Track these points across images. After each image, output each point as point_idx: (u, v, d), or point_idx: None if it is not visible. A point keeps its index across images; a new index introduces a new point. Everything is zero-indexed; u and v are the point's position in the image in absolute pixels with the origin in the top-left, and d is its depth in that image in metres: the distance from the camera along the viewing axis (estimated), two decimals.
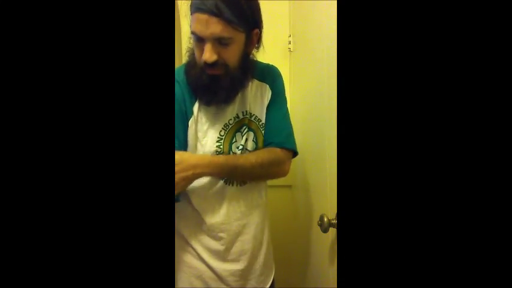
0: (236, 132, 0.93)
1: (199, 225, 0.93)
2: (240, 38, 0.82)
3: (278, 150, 0.95)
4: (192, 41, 0.85)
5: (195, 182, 0.87)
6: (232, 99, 0.89)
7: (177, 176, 0.80)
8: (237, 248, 0.96)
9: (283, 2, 1.54)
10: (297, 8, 1.44)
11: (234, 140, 0.92)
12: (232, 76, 0.83)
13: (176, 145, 0.86)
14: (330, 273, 1.05)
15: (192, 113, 0.88)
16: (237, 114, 0.93)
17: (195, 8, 0.77)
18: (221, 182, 0.92)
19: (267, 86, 0.99)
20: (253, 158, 0.90)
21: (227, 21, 0.76)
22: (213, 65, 0.79)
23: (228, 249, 0.95)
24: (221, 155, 0.90)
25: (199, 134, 0.89)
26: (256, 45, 0.89)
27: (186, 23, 1.52)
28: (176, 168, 0.79)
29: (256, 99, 0.97)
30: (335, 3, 0.80)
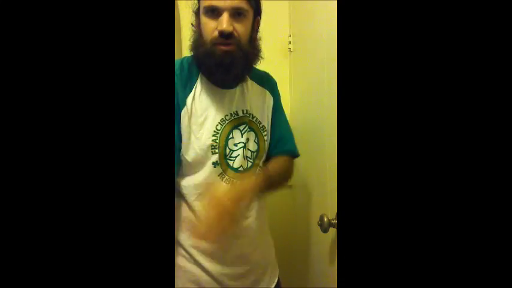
0: (234, 128, 0.91)
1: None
2: (250, 15, 0.83)
3: (288, 158, 0.99)
4: (196, 22, 0.86)
5: (190, 181, 0.87)
6: (242, 78, 0.90)
7: (237, 206, 0.79)
8: (234, 250, 0.93)
9: (283, 2, 1.54)
10: (297, 8, 1.44)
11: (230, 136, 0.90)
12: (244, 53, 0.83)
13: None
14: (330, 273, 1.05)
15: (184, 104, 0.86)
16: (236, 111, 0.92)
17: None
18: (218, 181, 0.89)
19: (267, 91, 1.00)
20: (277, 169, 0.93)
21: None
22: (228, 37, 0.79)
23: (225, 251, 0.92)
24: (260, 173, 0.91)
25: (194, 127, 0.86)
26: (258, 33, 0.90)
27: (186, 23, 1.53)
28: (233, 197, 0.79)
29: (256, 101, 0.97)
30: (335, 3, 0.80)
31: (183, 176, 0.89)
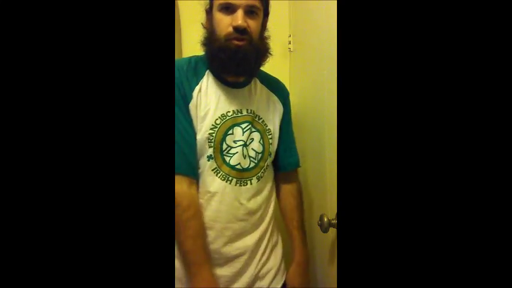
0: (235, 125, 0.91)
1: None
2: (261, 14, 0.89)
3: (295, 173, 1.08)
4: (209, 19, 0.90)
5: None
6: (252, 74, 0.94)
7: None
8: (233, 249, 0.93)
9: (283, 2, 1.54)
10: (297, 8, 1.44)
11: (230, 132, 0.90)
12: (255, 48, 0.87)
13: (179, 131, 0.85)
14: (330, 273, 1.05)
15: (191, 97, 0.88)
16: (239, 109, 0.92)
17: None
18: (212, 176, 0.89)
19: (277, 99, 1.02)
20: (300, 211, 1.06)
21: None
22: (242, 32, 0.84)
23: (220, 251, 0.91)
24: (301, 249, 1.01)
25: (198, 120, 0.88)
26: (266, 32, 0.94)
27: (186, 23, 1.53)
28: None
29: (264, 104, 0.98)
30: (335, 3, 0.80)
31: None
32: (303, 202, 1.09)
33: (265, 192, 0.98)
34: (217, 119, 0.89)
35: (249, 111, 0.94)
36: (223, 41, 0.85)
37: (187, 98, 0.88)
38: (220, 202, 0.89)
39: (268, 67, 1.08)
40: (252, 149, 0.93)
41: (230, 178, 0.90)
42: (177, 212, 0.83)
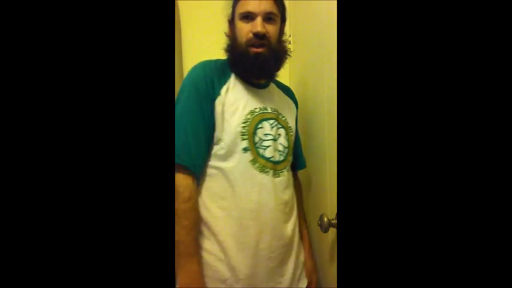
0: (263, 120, 0.96)
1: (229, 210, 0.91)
2: (278, 20, 0.97)
3: (300, 177, 1.18)
4: (231, 29, 0.99)
5: (222, 165, 0.91)
6: (272, 75, 1.01)
7: None
8: (276, 239, 0.94)
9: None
10: (297, 8, 1.44)
11: (259, 126, 0.95)
12: (274, 52, 0.95)
13: (202, 123, 0.90)
14: (330, 273, 1.05)
15: (219, 93, 0.93)
16: (265, 107, 0.99)
17: None
18: (250, 167, 0.91)
19: (292, 102, 1.13)
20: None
21: (275, 1, 0.94)
22: (262, 37, 0.91)
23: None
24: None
25: (226, 115, 0.92)
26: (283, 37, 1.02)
27: (186, 23, 1.53)
28: None
29: (283, 104, 1.07)
30: (335, 3, 0.80)
31: (217, 161, 0.92)
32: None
33: (291, 185, 1.04)
34: (247, 114, 0.94)
35: (273, 109, 1.01)
36: (244, 47, 0.93)
37: (215, 95, 0.93)
38: (260, 193, 0.91)
39: None
40: (280, 143, 0.99)
41: (267, 170, 0.93)
42: (177, 201, 0.85)
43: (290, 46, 1.51)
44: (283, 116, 1.03)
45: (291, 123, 1.06)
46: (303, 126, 1.23)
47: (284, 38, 1.01)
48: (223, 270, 0.89)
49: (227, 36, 1.01)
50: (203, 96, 0.91)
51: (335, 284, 0.93)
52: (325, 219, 0.91)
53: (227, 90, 0.95)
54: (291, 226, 1.00)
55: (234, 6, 0.97)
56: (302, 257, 1.06)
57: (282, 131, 1.00)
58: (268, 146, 0.94)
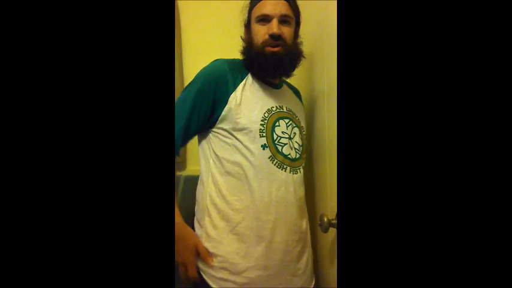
0: (280, 119, 1.00)
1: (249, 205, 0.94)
2: (293, 23, 1.01)
3: None
4: (247, 32, 1.03)
5: (238, 159, 0.95)
6: (288, 74, 1.04)
7: None
8: (292, 233, 0.97)
9: None
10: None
11: (277, 124, 0.99)
12: (289, 52, 0.98)
13: (188, 115, 0.94)
14: (330, 273, 1.05)
15: (234, 89, 0.97)
16: (280, 106, 1.03)
17: None
18: (269, 163, 0.95)
19: (300, 102, 1.16)
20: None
21: (290, 5, 0.99)
22: (277, 38, 0.95)
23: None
24: None
25: (245, 111, 0.95)
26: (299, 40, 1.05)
27: (186, 23, 1.53)
28: None
29: (296, 105, 1.11)
30: (335, 3, 0.80)
31: (228, 154, 0.95)
32: None
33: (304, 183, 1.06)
34: (265, 113, 0.98)
35: (288, 109, 1.05)
36: (261, 47, 0.97)
37: (229, 90, 0.96)
38: (278, 189, 0.95)
39: None
40: (296, 141, 1.03)
41: (285, 166, 0.97)
42: None
43: None
44: (297, 116, 1.07)
45: (303, 123, 1.10)
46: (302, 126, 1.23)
47: (299, 40, 1.05)
48: (241, 263, 0.91)
49: (243, 39, 1.05)
50: (203, 92, 0.95)
51: (335, 284, 0.93)
52: (325, 219, 0.91)
53: (243, 87, 0.98)
54: (306, 221, 1.04)
55: (250, 11, 1.02)
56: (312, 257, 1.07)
57: (296, 130, 1.04)
58: (285, 144, 0.98)
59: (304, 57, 1.05)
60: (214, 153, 0.97)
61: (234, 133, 0.95)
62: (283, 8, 0.97)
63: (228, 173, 0.95)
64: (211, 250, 0.93)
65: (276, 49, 0.96)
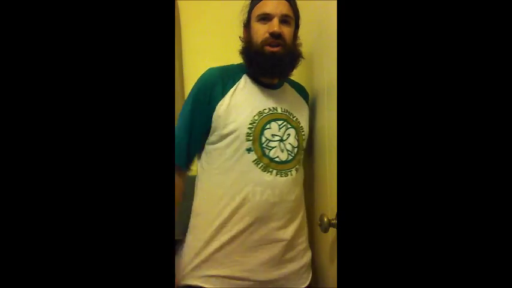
0: (271, 121, 0.99)
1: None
2: (293, 24, 1.01)
3: None
4: (247, 31, 1.03)
5: (221, 164, 0.97)
6: (287, 74, 1.04)
7: None
8: (274, 238, 0.97)
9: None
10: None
11: (267, 127, 0.98)
12: (289, 52, 0.99)
13: (189, 127, 0.97)
14: (330, 273, 1.05)
15: (222, 97, 0.98)
16: (275, 107, 1.01)
17: None
18: (253, 167, 0.95)
19: (303, 100, 1.13)
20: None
21: (291, 5, 1.00)
22: (277, 37, 0.95)
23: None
24: None
25: (232, 116, 0.96)
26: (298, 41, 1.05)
27: (186, 23, 1.52)
28: None
29: (295, 104, 1.08)
30: (335, 3, 0.80)
31: (215, 161, 0.98)
32: None
33: (300, 185, 1.06)
34: (255, 116, 0.98)
35: (283, 110, 1.03)
36: (260, 46, 0.97)
37: (216, 99, 0.97)
38: (263, 192, 0.95)
39: None
40: (289, 143, 1.00)
41: (270, 169, 0.96)
42: None
43: None
44: (295, 116, 1.05)
45: (303, 123, 1.07)
46: None
47: (298, 42, 1.05)
48: (225, 262, 0.95)
49: (242, 40, 1.05)
50: (201, 102, 0.97)
51: (335, 284, 0.93)
52: (325, 219, 0.91)
53: (233, 93, 0.99)
54: (293, 226, 1.01)
55: (250, 10, 1.02)
56: (307, 259, 1.06)
57: (291, 131, 1.02)
58: (274, 147, 0.98)
59: (303, 58, 1.04)
60: (204, 159, 1.01)
61: (221, 139, 0.96)
62: (284, 8, 0.97)
63: (213, 178, 0.98)
64: (197, 250, 0.96)
65: (275, 49, 0.96)
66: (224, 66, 1.05)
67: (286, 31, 0.98)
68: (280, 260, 0.98)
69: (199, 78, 1.01)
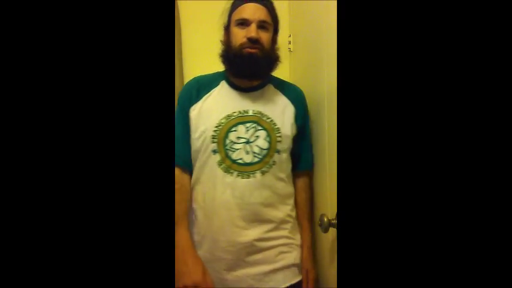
0: (239, 123, 1.02)
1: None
2: (271, 30, 1.05)
3: (308, 178, 1.17)
4: (226, 34, 1.07)
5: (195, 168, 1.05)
6: (263, 76, 1.07)
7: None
8: (238, 236, 1.00)
9: (283, 2, 1.54)
10: (297, 8, 1.43)
11: (233, 129, 1.01)
12: (266, 55, 1.02)
13: (182, 130, 1.05)
14: (330, 273, 1.05)
15: (197, 101, 1.05)
16: (245, 110, 1.04)
17: (244, 0, 1.01)
18: (217, 168, 1.00)
19: (289, 101, 1.11)
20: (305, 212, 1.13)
21: (269, 12, 1.03)
22: (255, 42, 0.99)
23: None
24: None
25: (202, 119, 1.03)
26: (276, 45, 1.09)
27: (186, 23, 1.53)
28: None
29: (274, 106, 1.08)
30: (335, 3, 0.80)
31: (196, 163, 1.05)
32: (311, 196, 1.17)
33: (274, 188, 1.04)
34: (222, 119, 1.02)
35: (255, 112, 1.04)
36: (238, 49, 1.00)
37: (191, 104, 1.05)
38: (223, 192, 1.00)
39: None
40: (257, 145, 1.01)
41: (231, 171, 1.00)
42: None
43: (290, 46, 1.52)
44: (269, 118, 1.04)
45: (280, 124, 1.05)
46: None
47: (276, 46, 1.09)
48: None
49: (222, 43, 1.08)
50: (182, 108, 1.06)
51: (335, 284, 0.93)
52: (325, 219, 0.91)
53: (207, 98, 1.06)
54: (259, 229, 1.01)
55: (230, 14, 1.05)
56: (286, 262, 1.05)
57: (261, 133, 1.02)
58: (238, 149, 1.01)
59: (280, 61, 1.08)
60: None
61: (195, 141, 1.03)
62: (262, 14, 1.01)
63: (196, 179, 1.06)
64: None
65: (253, 50, 0.99)
66: (207, 74, 1.12)
67: (264, 36, 1.01)
68: (242, 262, 1.00)
69: (183, 87, 1.12)
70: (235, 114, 1.03)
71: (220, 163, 1.00)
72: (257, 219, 1.01)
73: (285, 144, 1.05)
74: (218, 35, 1.60)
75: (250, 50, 0.99)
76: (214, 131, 1.01)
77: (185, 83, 1.51)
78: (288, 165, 1.09)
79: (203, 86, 1.08)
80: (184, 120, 1.06)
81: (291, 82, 1.48)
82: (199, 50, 1.53)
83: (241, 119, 1.02)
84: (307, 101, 1.23)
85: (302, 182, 1.15)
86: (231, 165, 1.00)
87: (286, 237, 1.06)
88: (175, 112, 1.07)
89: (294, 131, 1.08)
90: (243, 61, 1.00)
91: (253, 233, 1.00)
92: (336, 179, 0.93)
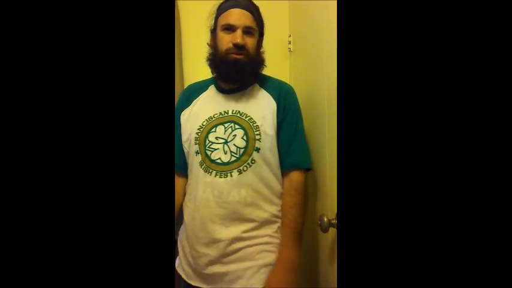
0: (219, 124, 1.05)
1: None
2: (256, 35, 1.07)
3: (297, 173, 1.05)
4: (213, 38, 1.09)
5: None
6: (248, 81, 1.08)
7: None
8: (216, 233, 1.02)
9: (283, 2, 1.54)
10: (297, 8, 1.44)
11: (213, 130, 1.05)
12: (252, 61, 1.05)
13: (178, 135, 1.11)
14: (330, 273, 1.05)
15: (187, 106, 1.12)
16: (226, 111, 1.07)
17: (230, 5, 1.04)
18: (198, 168, 1.04)
19: (271, 98, 1.08)
20: (295, 213, 1.04)
21: (254, 17, 1.05)
22: (241, 48, 1.01)
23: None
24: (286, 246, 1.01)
25: (190, 123, 1.10)
26: (262, 49, 1.12)
27: (186, 23, 1.52)
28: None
29: (256, 104, 1.07)
30: (335, 3, 0.80)
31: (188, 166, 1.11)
32: (303, 203, 1.05)
33: (256, 187, 1.01)
34: (204, 121, 1.07)
35: (235, 112, 1.06)
36: (224, 54, 1.03)
37: (183, 109, 1.12)
38: (204, 191, 1.03)
39: (269, 67, 1.10)
40: (234, 144, 1.02)
41: (210, 170, 1.02)
42: None
43: (290, 46, 1.52)
44: (248, 116, 1.04)
45: (260, 122, 1.03)
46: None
47: (261, 50, 1.12)
48: (181, 256, 1.09)
49: (209, 45, 1.11)
50: (177, 114, 1.13)
51: (335, 284, 0.93)
52: (325, 219, 0.91)
53: (196, 103, 1.12)
54: (238, 228, 0.99)
55: (216, 18, 1.08)
56: (263, 262, 1.00)
57: (238, 132, 1.02)
58: (216, 149, 1.03)
59: (265, 65, 1.10)
60: None
61: (184, 145, 1.09)
62: (247, 20, 1.03)
63: (188, 180, 1.12)
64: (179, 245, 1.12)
65: (239, 56, 1.02)
66: (200, 81, 1.19)
67: (250, 41, 1.03)
68: (222, 258, 1.00)
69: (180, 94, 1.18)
70: (216, 115, 1.07)
71: (201, 163, 1.04)
72: (238, 218, 0.99)
73: (266, 142, 1.02)
74: None
75: (236, 56, 1.02)
76: (197, 133, 1.06)
77: (185, 83, 1.52)
78: (275, 164, 1.04)
79: (193, 91, 1.15)
80: (177, 126, 1.12)
81: (291, 82, 1.49)
82: (199, 50, 1.53)
83: (221, 120, 1.05)
84: (307, 101, 1.23)
85: (288, 183, 1.05)
86: (210, 164, 1.02)
87: (270, 236, 1.02)
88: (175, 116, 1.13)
89: (277, 128, 1.05)
90: (229, 66, 1.02)
91: (234, 230, 0.99)
92: (336, 179, 0.93)
